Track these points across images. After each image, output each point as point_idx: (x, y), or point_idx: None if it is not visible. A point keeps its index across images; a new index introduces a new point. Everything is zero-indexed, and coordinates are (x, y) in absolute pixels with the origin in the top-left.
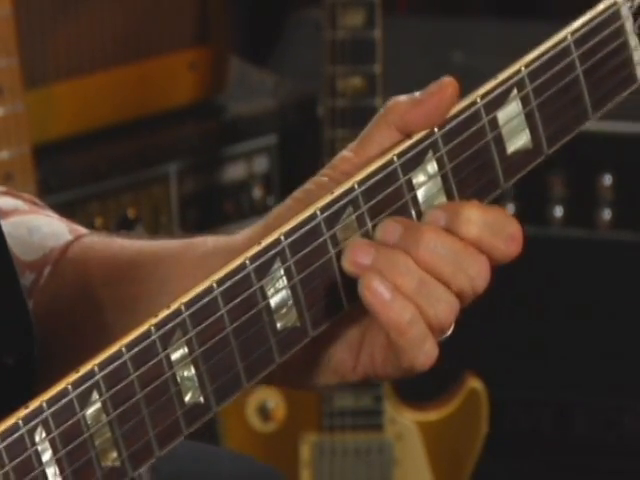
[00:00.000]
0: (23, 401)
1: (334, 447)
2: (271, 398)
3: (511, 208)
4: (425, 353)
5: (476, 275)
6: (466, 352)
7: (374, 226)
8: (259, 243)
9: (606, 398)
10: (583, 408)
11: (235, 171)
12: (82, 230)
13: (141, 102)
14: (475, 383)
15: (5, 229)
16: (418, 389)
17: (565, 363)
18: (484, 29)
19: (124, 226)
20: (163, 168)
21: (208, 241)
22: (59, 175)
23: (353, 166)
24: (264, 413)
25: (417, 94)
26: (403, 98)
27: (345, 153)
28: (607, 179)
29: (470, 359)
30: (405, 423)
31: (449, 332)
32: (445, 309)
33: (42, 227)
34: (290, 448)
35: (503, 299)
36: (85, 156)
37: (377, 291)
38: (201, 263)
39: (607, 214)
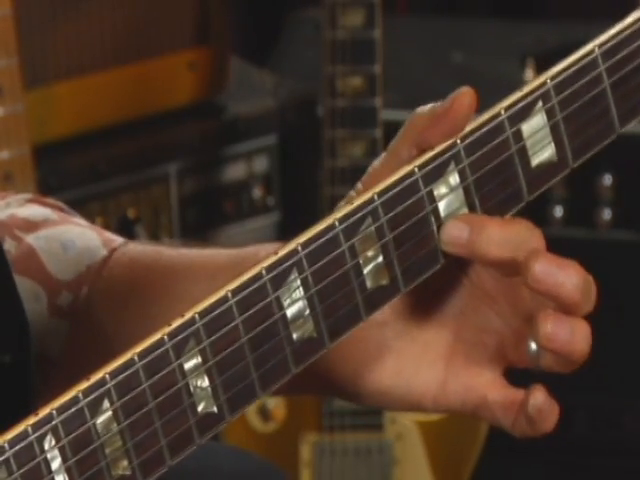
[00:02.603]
0: (20, 400)
1: (334, 447)
2: (271, 398)
3: None
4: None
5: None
6: None
7: (394, 238)
8: (276, 253)
9: (606, 398)
10: (583, 408)
11: (235, 171)
12: (115, 240)
13: (141, 102)
14: None
15: (38, 243)
16: None
17: None
18: (484, 29)
19: (124, 226)
20: (163, 168)
21: (260, 254)
22: (59, 175)
23: (381, 180)
24: (264, 413)
25: (437, 106)
26: (423, 112)
27: (375, 165)
28: (607, 179)
29: None
30: (405, 423)
31: None
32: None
33: (75, 241)
34: (290, 448)
35: None
36: (85, 156)
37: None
38: None
39: (607, 214)
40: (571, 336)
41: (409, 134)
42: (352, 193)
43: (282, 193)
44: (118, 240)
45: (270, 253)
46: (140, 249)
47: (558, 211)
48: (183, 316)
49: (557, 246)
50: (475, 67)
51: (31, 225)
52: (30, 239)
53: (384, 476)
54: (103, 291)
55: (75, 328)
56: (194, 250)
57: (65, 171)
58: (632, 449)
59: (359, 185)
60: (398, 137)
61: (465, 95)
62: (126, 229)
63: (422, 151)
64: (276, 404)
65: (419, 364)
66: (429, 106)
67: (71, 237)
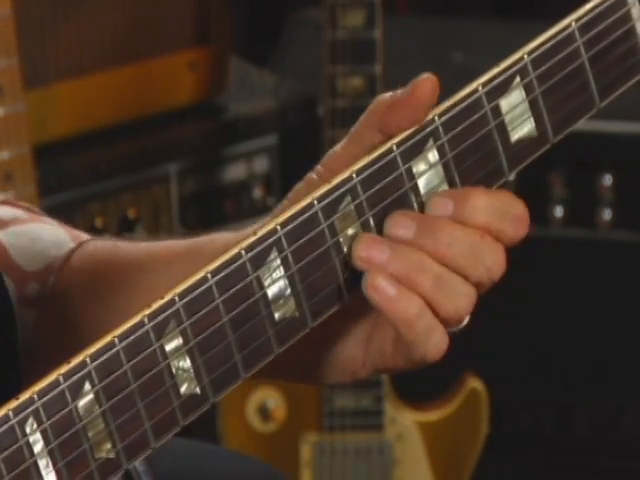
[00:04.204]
0: (9, 389)
1: (334, 447)
2: (272, 398)
3: None
4: (435, 344)
5: (493, 264)
6: (466, 352)
7: (373, 215)
8: (255, 233)
9: (606, 398)
10: (583, 408)
11: (235, 171)
12: (83, 236)
13: (141, 102)
14: (475, 383)
15: (7, 239)
16: (418, 389)
17: (565, 363)
18: (484, 29)
19: (124, 226)
20: (163, 168)
21: (216, 241)
22: (59, 175)
23: (342, 164)
24: (264, 413)
25: (398, 92)
26: (384, 97)
27: (336, 149)
28: (607, 179)
29: (470, 359)
30: (405, 423)
31: (465, 322)
32: (464, 302)
33: (44, 236)
34: (290, 448)
35: (503, 299)
36: (85, 156)
37: (382, 288)
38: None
39: (607, 214)
40: (385, 257)
41: (371, 119)
42: (311, 175)
43: (282, 193)
44: (86, 236)
45: (228, 239)
46: (101, 243)
47: (558, 211)
48: (163, 297)
49: (557, 246)
50: (475, 67)
51: (1, 223)
52: None
53: (384, 476)
54: (68, 281)
55: (42, 316)
56: (151, 242)
57: (65, 171)
58: (632, 449)
59: (318, 168)
60: (360, 122)
61: (427, 81)
62: (126, 229)
63: (387, 136)
64: (276, 404)
65: (349, 332)
66: (389, 93)
67: (39, 233)
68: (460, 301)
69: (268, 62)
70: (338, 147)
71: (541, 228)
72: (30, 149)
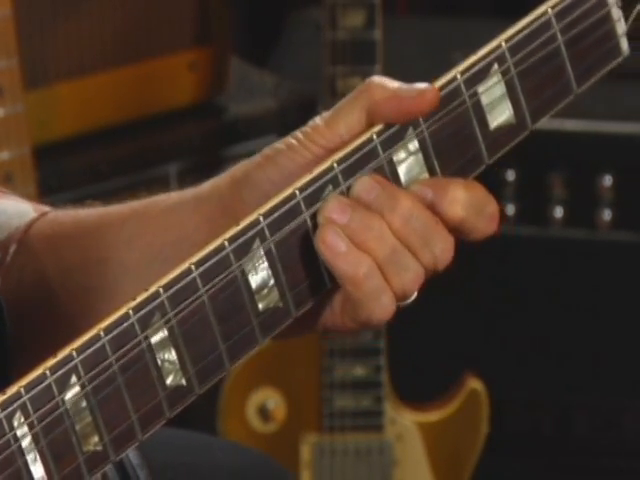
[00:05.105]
0: None
1: (334, 448)
2: (271, 398)
3: (511, 208)
4: (382, 306)
5: (440, 253)
6: (466, 352)
7: None
8: (237, 224)
9: (606, 398)
10: (583, 408)
11: None
12: (47, 208)
13: (141, 102)
14: (475, 383)
15: None
16: (418, 389)
17: (565, 363)
18: (484, 29)
19: None
20: (163, 168)
21: (172, 195)
22: (59, 175)
23: (322, 137)
24: (264, 413)
25: (399, 86)
26: (385, 84)
27: (318, 121)
28: (607, 179)
29: (470, 359)
30: (405, 423)
31: (410, 300)
32: (411, 278)
33: (7, 209)
34: (290, 449)
35: (503, 299)
36: (85, 156)
37: (332, 243)
38: (166, 215)
39: (607, 214)
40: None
41: (364, 98)
42: (292, 140)
43: None
44: (49, 209)
45: (183, 193)
46: (62, 212)
47: (558, 212)
48: (147, 290)
49: (557, 247)
50: None
51: None
52: None
53: (384, 477)
54: (28, 247)
55: (5, 284)
56: (110, 205)
57: (65, 171)
58: (632, 449)
59: (299, 135)
60: (350, 98)
61: (432, 92)
62: None
63: (371, 121)
64: (276, 404)
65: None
66: (389, 81)
67: (4, 207)
68: (408, 277)
69: (268, 62)
70: (321, 119)
71: (541, 228)
72: (30, 150)
